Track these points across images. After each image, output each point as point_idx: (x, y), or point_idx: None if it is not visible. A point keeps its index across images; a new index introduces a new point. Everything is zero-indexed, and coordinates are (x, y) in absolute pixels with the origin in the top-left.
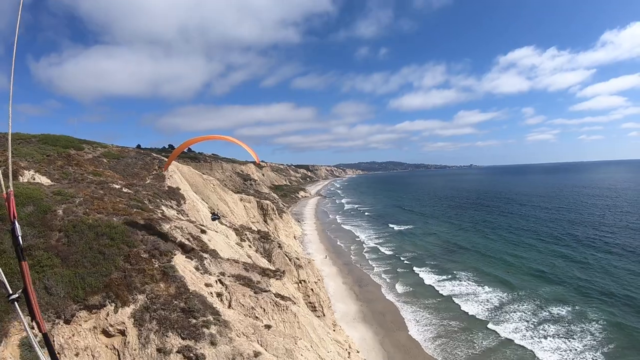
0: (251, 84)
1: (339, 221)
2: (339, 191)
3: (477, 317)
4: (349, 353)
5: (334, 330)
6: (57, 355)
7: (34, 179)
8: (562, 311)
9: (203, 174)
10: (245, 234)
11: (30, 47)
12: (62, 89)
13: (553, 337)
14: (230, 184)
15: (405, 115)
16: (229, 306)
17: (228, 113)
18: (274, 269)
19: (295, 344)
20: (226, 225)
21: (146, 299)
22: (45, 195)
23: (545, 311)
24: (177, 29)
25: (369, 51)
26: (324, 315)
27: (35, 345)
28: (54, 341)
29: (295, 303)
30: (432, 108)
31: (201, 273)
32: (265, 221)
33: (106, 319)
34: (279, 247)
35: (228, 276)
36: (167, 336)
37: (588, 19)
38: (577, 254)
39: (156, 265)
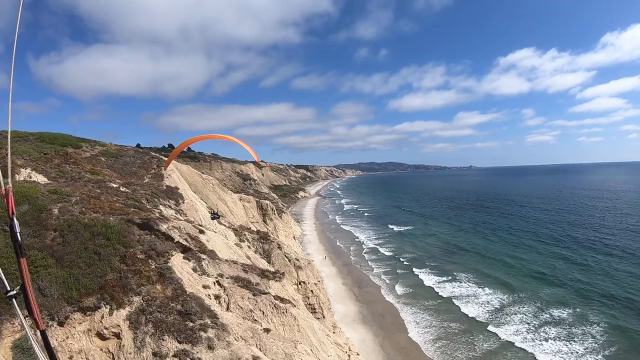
0: (251, 83)
1: (338, 222)
2: (338, 191)
3: (477, 319)
4: (349, 356)
5: (333, 333)
6: (55, 352)
7: (30, 177)
8: (563, 313)
9: (202, 173)
10: (245, 235)
11: (31, 45)
12: (62, 87)
13: (554, 340)
14: (230, 184)
15: (405, 116)
16: (227, 309)
17: (228, 112)
18: (273, 270)
19: (295, 348)
20: (225, 225)
21: (142, 301)
22: (41, 193)
23: (545, 313)
24: (177, 27)
25: (368, 52)
26: (324, 317)
27: (34, 342)
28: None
29: (295, 305)
30: (431, 109)
31: (199, 274)
32: (265, 221)
33: (101, 322)
34: (278, 247)
35: (226, 278)
36: (163, 340)
37: (589, 20)
38: (577, 256)
39: (153, 266)
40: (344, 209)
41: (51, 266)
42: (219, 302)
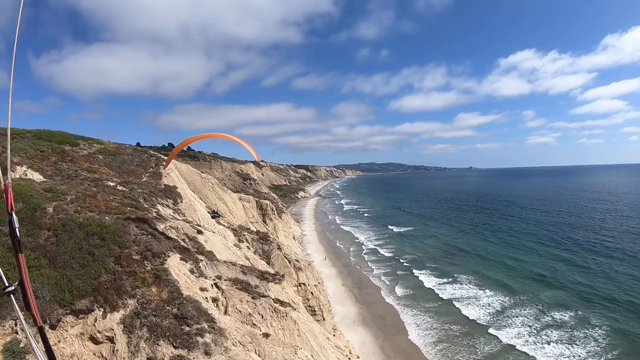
0: (251, 83)
1: (338, 222)
2: (338, 192)
3: (478, 321)
4: (349, 359)
5: (334, 335)
6: (53, 349)
7: (26, 175)
8: (565, 316)
9: (202, 172)
10: (244, 235)
11: (31, 43)
12: (62, 86)
13: (556, 343)
14: (230, 183)
15: (406, 117)
16: (225, 312)
17: (228, 112)
18: (273, 272)
19: (295, 354)
20: (224, 225)
21: (137, 304)
22: (36, 191)
23: (547, 316)
24: (178, 27)
25: (369, 52)
26: (324, 319)
27: (31, 339)
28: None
29: (295, 309)
30: (432, 110)
31: (196, 276)
32: (265, 221)
33: (94, 325)
34: (278, 248)
35: (225, 280)
36: (158, 344)
37: (590, 22)
38: (578, 258)
39: (148, 268)
40: (344, 209)
41: (44, 267)
42: (217, 306)
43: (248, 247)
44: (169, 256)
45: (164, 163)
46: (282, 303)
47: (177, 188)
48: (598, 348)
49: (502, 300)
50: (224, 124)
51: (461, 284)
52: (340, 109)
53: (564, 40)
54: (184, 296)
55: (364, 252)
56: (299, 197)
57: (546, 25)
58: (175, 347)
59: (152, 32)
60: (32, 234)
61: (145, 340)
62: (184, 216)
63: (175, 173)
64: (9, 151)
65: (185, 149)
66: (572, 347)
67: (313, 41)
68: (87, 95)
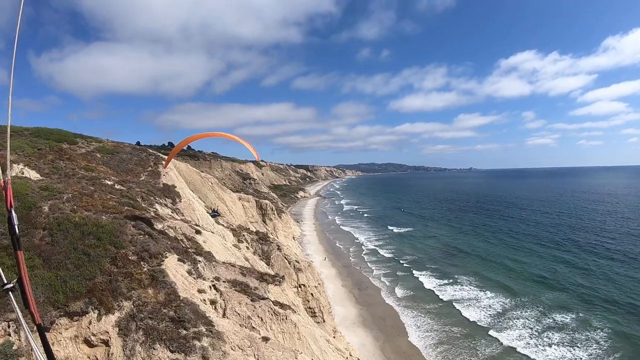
0: (252, 83)
1: (338, 222)
2: (338, 192)
3: (478, 323)
4: None
5: (334, 337)
6: (51, 347)
7: (22, 174)
8: (566, 318)
9: (202, 172)
10: (243, 235)
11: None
12: (63, 84)
13: (557, 346)
14: (229, 183)
15: (406, 117)
16: (224, 315)
17: (228, 112)
18: (272, 273)
19: (296, 358)
20: (223, 225)
21: (132, 306)
22: (32, 190)
23: (548, 318)
24: (178, 26)
25: (370, 52)
26: (324, 321)
27: (29, 336)
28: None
29: (295, 311)
30: (432, 110)
31: (194, 278)
32: (264, 221)
33: (88, 328)
34: (278, 249)
35: (223, 281)
36: (154, 348)
37: (590, 24)
38: (578, 260)
39: (145, 269)
40: (344, 209)
41: (38, 267)
42: (215, 308)
43: (247, 248)
44: (166, 257)
45: (164, 162)
46: (282, 305)
47: (175, 187)
48: (600, 351)
49: (503, 302)
50: (224, 124)
51: (461, 285)
52: (341, 109)
53: (564, 41)
54: (181, 298)
55: (363, 252)
56: (299, 197)
57: (547, 27)
58: (171, 351)
59: (152, 32)
60: (27, 233)
61: (141, 343)
62: (183, 216)
63: (174, 172)
64: (8, 149)
65: (185, 148)
66: (574, 349)
67: (314, 41)
68: (87, 95)
